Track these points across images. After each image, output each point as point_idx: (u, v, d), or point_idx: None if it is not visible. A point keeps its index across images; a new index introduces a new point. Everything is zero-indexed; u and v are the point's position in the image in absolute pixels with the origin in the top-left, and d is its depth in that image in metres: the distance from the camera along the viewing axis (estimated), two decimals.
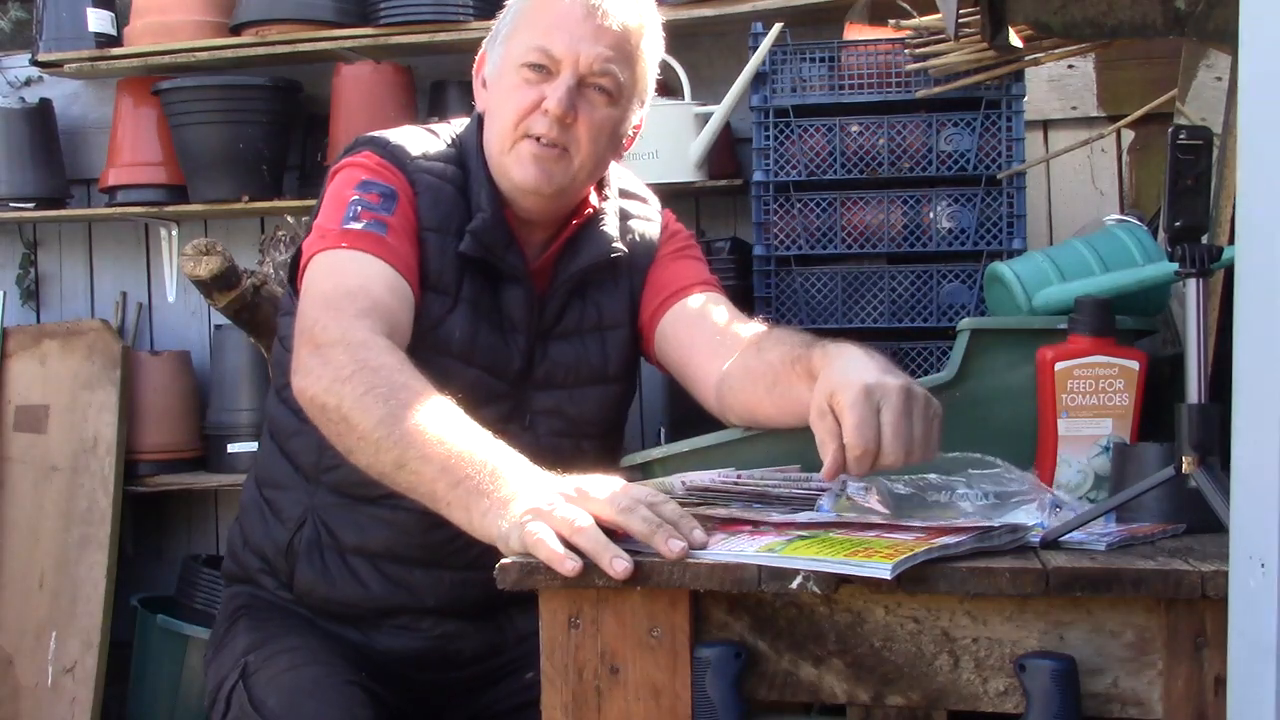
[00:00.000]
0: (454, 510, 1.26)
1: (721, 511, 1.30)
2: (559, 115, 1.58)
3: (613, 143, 1.67)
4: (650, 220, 1.79)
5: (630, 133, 1.70)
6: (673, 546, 1.13)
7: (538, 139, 1.59)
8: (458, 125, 1.74)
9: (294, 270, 1.65)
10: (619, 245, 1.70)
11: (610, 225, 1.71)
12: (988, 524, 1.18)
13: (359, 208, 1.56)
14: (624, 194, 1.78)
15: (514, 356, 1.64)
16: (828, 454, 1.28)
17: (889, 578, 1.04)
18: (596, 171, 1.68)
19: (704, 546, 1.15)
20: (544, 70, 1.59)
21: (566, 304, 1.69)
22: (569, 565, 1.12)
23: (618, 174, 1.78)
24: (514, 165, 1.61)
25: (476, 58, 1.71)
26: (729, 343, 1.63)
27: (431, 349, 1.57)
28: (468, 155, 1.67)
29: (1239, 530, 0.93)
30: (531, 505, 1.18)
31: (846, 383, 1.29)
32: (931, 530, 1.15)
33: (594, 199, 1.71)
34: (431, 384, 1.38)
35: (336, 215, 1.57)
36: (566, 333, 1.69)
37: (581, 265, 1.68)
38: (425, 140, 1.68)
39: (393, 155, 1.62)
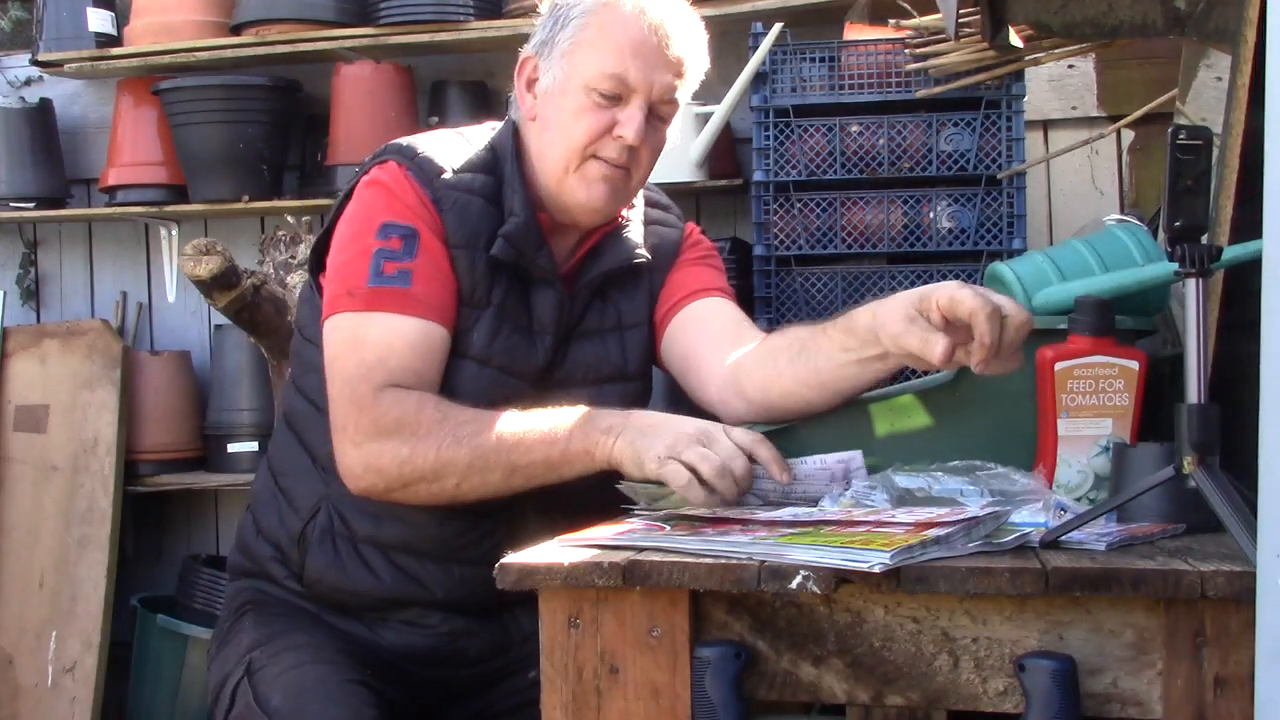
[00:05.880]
0: (574, 462, 1.45)
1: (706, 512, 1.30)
2: (635, 145, 1.60)
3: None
4: (672, 226, 1.81)
5: None
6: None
7: (605, 160, 1.61)
8: (491, 129, 1.73)
9: (317, 260, 1.68)
10: (643, 252, 1.72)
11: (635, 232, 1.73)
12: (974, 514, 1.18)
13: (383, 260, 1.57)
14: (648, 202, 1.81)
15: (538, 356, 1.65)
16: (937, 346, 1.34)
17: (887, 567, 1.04)
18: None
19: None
20: (615, 96, 1.60)
21: (589, 304, 1.71)
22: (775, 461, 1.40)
23: None
24: (580, 185, 1.62)
25: (521, 58, 1.69)
26: (737, 341, 1.66)
27: (451, 353, 1.59)
28: (503, 160, 1.66)
29: (1267, 527, 0.93)
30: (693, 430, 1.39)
31: (941, 288, 1.36)
32: (920, 524, 1.15)
33: None
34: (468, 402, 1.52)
35: (361, 268, 1.57)
36: (588, 332, 1.71)
37: (605, 269, 1.70)
38: (455, 148, 1.66)
39: (419, 167, 1.61)
